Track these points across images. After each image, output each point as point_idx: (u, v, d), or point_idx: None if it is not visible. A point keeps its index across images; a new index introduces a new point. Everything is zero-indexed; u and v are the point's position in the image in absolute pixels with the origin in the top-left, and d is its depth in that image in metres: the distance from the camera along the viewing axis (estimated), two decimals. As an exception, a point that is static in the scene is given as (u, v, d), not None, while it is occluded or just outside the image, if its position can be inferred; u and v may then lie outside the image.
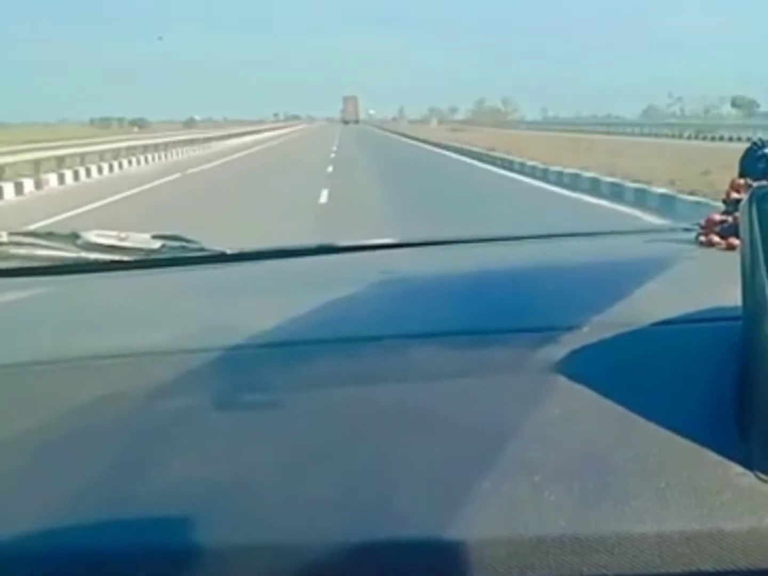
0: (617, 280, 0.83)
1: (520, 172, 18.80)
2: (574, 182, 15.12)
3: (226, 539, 0.57)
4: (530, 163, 18.87)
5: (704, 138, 33.64)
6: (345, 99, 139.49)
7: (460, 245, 1.28)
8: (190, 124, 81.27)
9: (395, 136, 51.48)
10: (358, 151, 32.46)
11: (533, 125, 67.39)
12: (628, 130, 44.73)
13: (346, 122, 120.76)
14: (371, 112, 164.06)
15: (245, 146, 38.08)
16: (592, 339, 0.67)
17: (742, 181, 0.96)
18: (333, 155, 28.53)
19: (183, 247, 1.20)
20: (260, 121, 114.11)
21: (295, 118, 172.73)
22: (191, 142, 34.73)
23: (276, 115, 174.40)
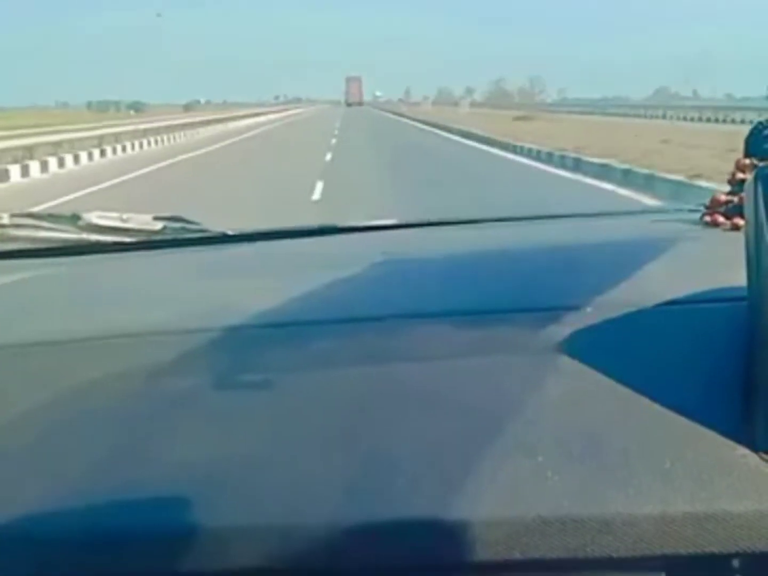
0: (622, 261, 0.83)
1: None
2: None
3: (227, 520, 0.57)
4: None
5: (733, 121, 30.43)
6: (348, 80, 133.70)
7: (464, 226, 1.27)
8: (189, 107, 79.17)
9: (422, 130, 33.37)
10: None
11: (554, 107, 65.16)
12: (649, 113, 41.84)
13: (349, 104, 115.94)
14: (378, 93, 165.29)
15: (237, 131, 34.43)
16: (596, 319, 0.67)
17: (747, 161, 0.95)
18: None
19: (184, 228, 1.20)
20: (261, 104, 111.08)
21: (297, 100, 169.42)
22: (182, 127, 31.33)
23: (277, 97, 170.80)
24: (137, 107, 78.32)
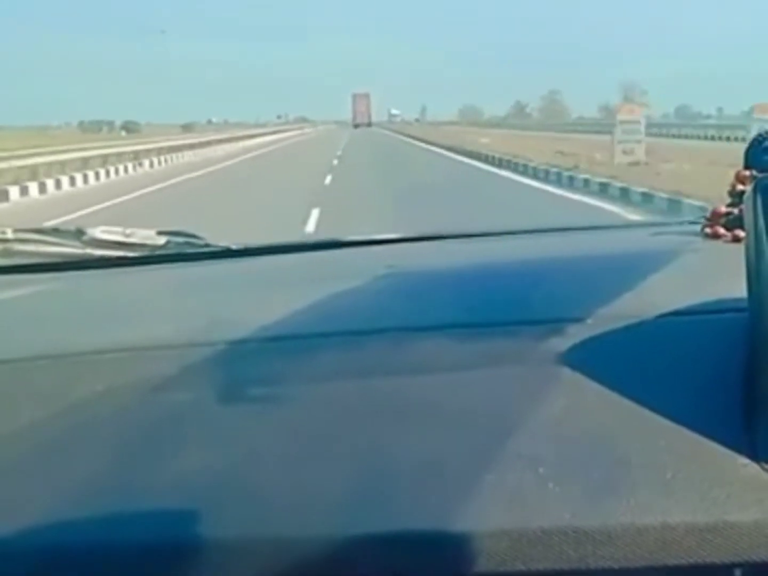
0: (623, 273, 0.83)
1: None
2: None
3: (230, 532, 0.57)
4: None
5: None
6: (354, 96, 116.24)
7: (466, 239, 1.28)
8: (188, 127, 75.97)
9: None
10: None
11: (568, 126, 59.77)
12: (663, 131, 40.14)
13: (356, 125, 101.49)
14: (394, 111, 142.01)
15: (218, 159, 29.06)
16: (598, 331, 0.67)
17: (747, 172, 0.95)
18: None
19: (188, 243, 1.20)
20: (262, 125, 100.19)
21: (302, 120, 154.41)
22: (169, 150, 28.68)
23: (279, 117, 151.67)
24: (130, 127, 74.29)
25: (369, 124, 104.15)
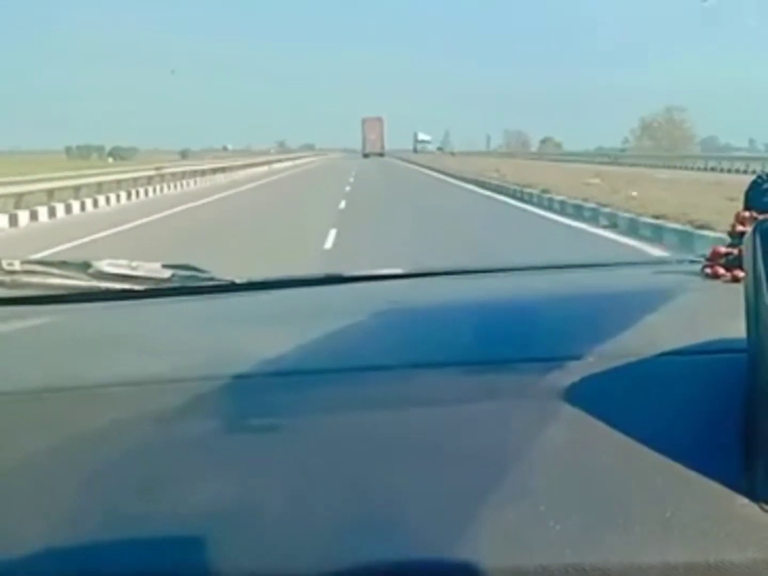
0: (623, 311, 0.84)
1: None
2: None
3: (233, 565, 0.57)
4: None
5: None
6: (365, 122, 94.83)
7: (466, 276, 1.29)
8: (186, 154, 71.99)
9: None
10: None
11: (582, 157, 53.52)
12: (686, 163, 38.65)
13: (365, 155, 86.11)
14: (422, 137, 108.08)
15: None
16: (598, 369, 0.67)
17: (747, 213, 0.96)
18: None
19: (193, 277, 1.21)
20: (263, 152, 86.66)
21: (309, 148, 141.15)
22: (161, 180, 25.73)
23: (281, 144, 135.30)
24: (118, 154, 67.16)
25: (381, 154, 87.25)
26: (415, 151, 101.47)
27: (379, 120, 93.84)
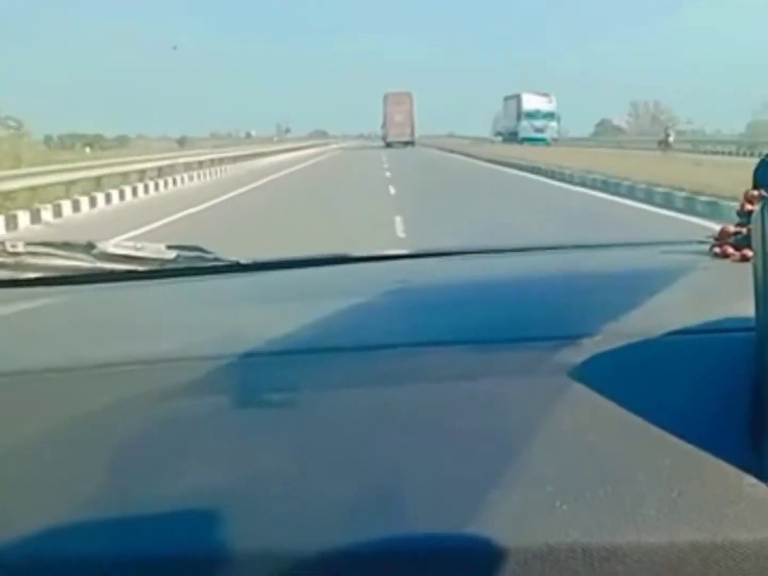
0: (632, 291, 0.83)
1: None
2: None
3: (237, 545, 0.57)
4: None
5: None
6: (388, 98, 66.74)
7: (475, 256, 1.28)
8: (183, 142, 65.65)
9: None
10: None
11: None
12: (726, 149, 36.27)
13: (388, 144, 61.82)
14: (535, 103, 58.58)
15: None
16: (606, 348, 0.67)
17: (755, 192, 0.96)
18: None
19: (198, 257, 1.21)
20: (267, 140, 71.20)
21: (322, 135, 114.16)
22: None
23: (288, 131, 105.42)
24: (95, 143, 55.88)
25: (410, 142, 62.34)
26: (509, 134, 62.86)
27: (408, 96, 66.59)
